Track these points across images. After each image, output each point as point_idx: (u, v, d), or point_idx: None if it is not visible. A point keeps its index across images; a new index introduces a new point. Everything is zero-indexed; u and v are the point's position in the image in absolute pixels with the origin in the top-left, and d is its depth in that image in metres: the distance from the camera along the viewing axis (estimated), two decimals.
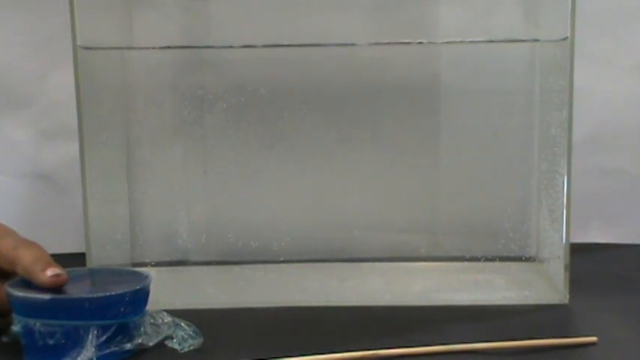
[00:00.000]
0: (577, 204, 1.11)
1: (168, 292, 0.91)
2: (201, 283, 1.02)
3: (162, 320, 0.76)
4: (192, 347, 0.75)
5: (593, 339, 0.76)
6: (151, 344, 0.74)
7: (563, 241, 0.90)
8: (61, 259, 0.77)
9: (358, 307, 0.89)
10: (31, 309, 0.72)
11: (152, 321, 0.76)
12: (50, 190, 1.15)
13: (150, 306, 0.76)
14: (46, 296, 0.72)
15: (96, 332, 0.71)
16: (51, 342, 0.70)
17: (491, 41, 1.00)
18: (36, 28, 1.12)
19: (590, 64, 1.10)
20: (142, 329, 0.74)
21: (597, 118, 1.13)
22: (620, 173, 1.15)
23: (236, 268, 1.04)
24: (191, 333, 0.76)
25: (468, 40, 1.00)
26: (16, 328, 0.73)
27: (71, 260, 0.91)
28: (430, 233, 1.06)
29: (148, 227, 1.05)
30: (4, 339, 0.75)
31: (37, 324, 0.71)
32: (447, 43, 1.02)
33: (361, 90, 1.03)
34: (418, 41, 1.00)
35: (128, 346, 0.73)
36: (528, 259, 1.04)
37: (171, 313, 0.78)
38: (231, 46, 1.02)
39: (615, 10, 1.11)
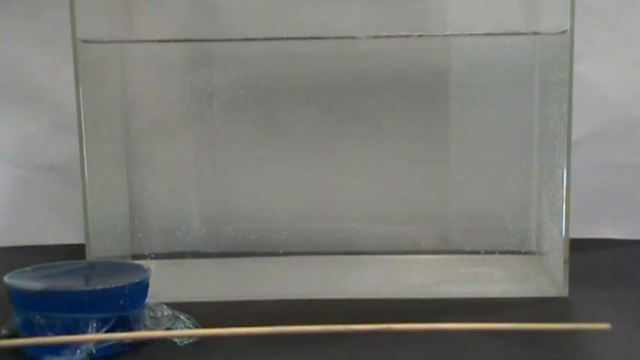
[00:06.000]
0: (588, 199, 1.12)
1: (168, 285, 0.91)
2: (201, 276, 1.02)
3: (162, 313, 0.76)
4: (191, 340, 0.75)
5: (606, 325, 0.70)
6: None
7: (563, 234, 0.90)
8: (63, 250, 0.77)
9: (358, 299, 0.89)
10: (31, 301, 0.72)
11: (151, 314, 0.76)
12: (62, 182, 1.16)
13: (149, 299, 0.76)
14: (46, 289, 0.73)
15: (95, 325, 0.71)
16: (50, 334, 0.71)
17: (492, 34, 1.00)
18: (46, 22, 1.12)
19: (601, 57, 1.10)
20: (142, 322, 0.74)
21: (609, 112, 1.12)
22: (631, 168, 1.14)
23: (235, 261, 1.05)
24: (190, 326, 0.76)
25: (468, 33, 1.00)
26: (15, 320, 0.73)
27: (77, 251, 0.92)
28: (429, 226, 1.07)
29: (147, 220, 1.06)
30: (4, 331, 0.75)
31: (37, 316, 0.71)
32: (447, 36, 1.02)
33: (361, 83, 1.03)
34: (418, 34, 1.00)
35: None
36: (528, 253, 1.04)
37: (171, 306, 0.78)
38: (231, 39, 1.02)
39: (628, 3, 1.11)
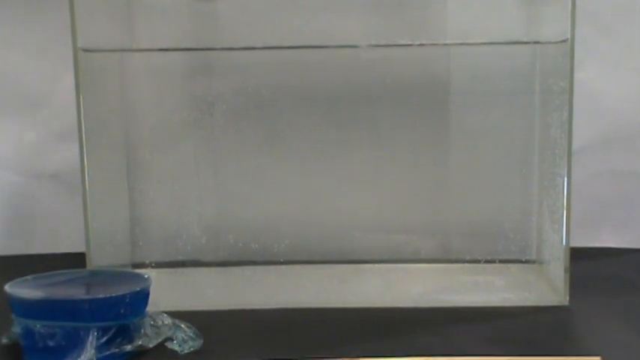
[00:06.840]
0: (589, 208, 1.11)
1: (169, 293, 0.91)
2: (202, 285, 1.02)
3: (163, 322, 0.76)
4: (192, 349, 0.75)
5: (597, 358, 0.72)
6: (151, 346, 0.74)
7: (564, 242, 0.90)
8: (64, 259, 0.77)
9: (358, 308, 0.89)
10: (32, 310, 0.72)
11: (152, 322, 0.76)
12: (63, 190, 1.15)
13: (150, 307, 0.76)
14: (47, 298, 0.72)
15: (96, 334, 0.71)
16: (51, 343, 0.71)
17: (492, 43, 1.00)
18: (47, 30, 1.12)
19: (603, 65, 1.10)
20: (142, 331, 0.74)
21: (609, 120, 1.12)
22: (632, 176, 1.14)
23: (236, 269, 1.04)
24: (191, 335, 0.76)
25: (470, 42, 1.00)
26: (16, 329, 0.73)
27: (77, 259, 0.92)
28: (430, 235, 1.06)
29: (148, 228, 1.06)
30: (4, 340, 0.75)
31: (38, 325, 0.71)
32: (448, 44, 1.02)
33: (362, 91, 1.03)
34: (418, 43, 1.00)
35: (128, 347, 0.73)
36: (528, 261, 1.04)
37: (172, 314, 0.78)
38: (231, 48, 1.02)
39: (628, 11, 1.11)
